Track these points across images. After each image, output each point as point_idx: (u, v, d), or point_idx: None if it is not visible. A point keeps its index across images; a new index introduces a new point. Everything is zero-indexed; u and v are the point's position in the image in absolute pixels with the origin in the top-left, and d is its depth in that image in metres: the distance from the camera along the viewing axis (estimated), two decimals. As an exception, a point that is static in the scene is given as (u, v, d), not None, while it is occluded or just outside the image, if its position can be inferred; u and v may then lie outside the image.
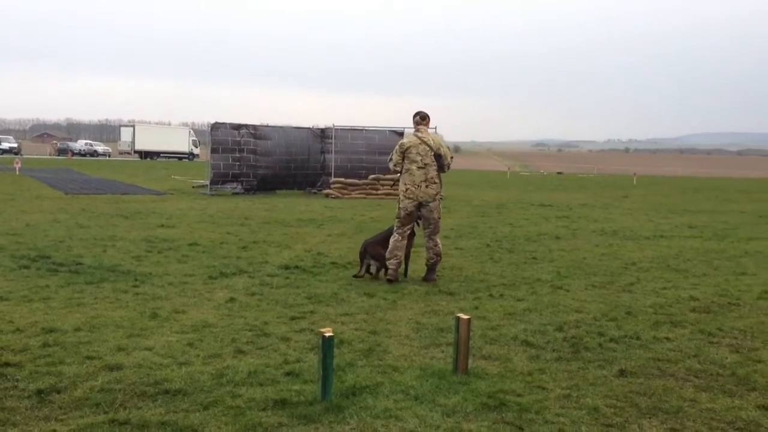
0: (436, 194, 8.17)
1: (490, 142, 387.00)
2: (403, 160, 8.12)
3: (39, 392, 4.13)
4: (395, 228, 8.14)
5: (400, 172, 8.21)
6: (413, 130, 8.31)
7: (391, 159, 8.29)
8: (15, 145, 69.19)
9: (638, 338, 5.73)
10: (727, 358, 5.25)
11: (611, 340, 5.67)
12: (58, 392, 4.15)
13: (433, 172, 8.11)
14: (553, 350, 5.36)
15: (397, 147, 8.25)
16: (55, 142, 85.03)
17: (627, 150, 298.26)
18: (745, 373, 4.89)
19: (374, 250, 8.13)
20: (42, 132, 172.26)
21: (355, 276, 8.13)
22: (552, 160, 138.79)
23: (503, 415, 4.00)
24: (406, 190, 8.11)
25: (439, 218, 8.33)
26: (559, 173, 74.24)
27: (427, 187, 8.09)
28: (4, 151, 63.78)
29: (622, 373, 4.84)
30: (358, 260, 8.31)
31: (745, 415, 4.09)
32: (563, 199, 24.94)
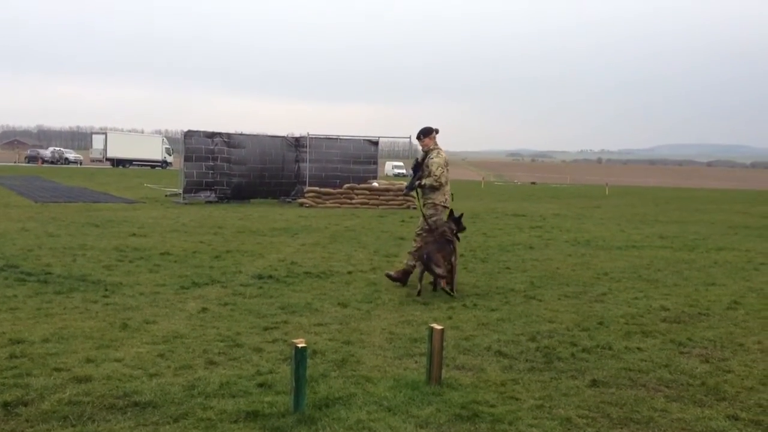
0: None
1: (465, 152, 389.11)
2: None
3: (5, 405, 4.04)
4: (424, 236, 8.34)
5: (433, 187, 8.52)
6: (424, 146, 8.66)
7: (438, 174, 8.41)
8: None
9: (610, 348, 5.78)
10: (697, 368, 5.31)
11: (583, 350, 5.70)
12: (25, 405, 4.06)
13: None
14: (526, 360, 5.38)
15: (444, 162, 8.53)
16: (19, 150, 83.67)
17: (600, 161, 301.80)
18: (714, 383, 4.94)
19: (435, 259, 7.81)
20: (12, 139, 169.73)
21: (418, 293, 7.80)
22: (526, 170, 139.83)
23: (476, 426, 4.00)
24: (446, 200, 8.59)
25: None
26: (532, 183, 74.88)
27: (424, 205, 8.73)
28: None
29: (594, 383, 4.87)
30: (330, 270, 8.23)
31: (715, 425, 4.14)
32: (537, 209, 25.13)
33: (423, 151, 8.72)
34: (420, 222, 8.69)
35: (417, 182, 8.57)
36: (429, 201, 8.54)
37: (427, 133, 8.56)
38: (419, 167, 8.62)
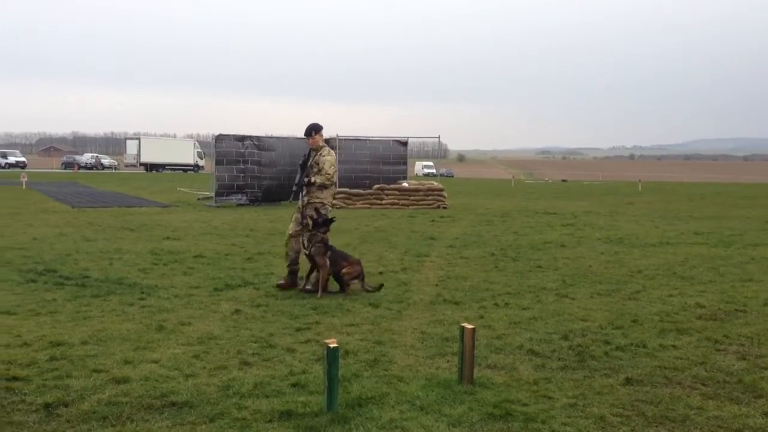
0: None
1: (495, 151, 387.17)
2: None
3: (47, 406, 4.14)
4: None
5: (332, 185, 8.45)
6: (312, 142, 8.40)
7: (332, 173, 8.31)
8: (22, 159, 69.50)
9: (644, 346, 5.72)
10: (734, 365, 5.24)
11: (617, 348, 5.66)
12: (66, 406, 4.16)
13: None
14: (559, 359, 5.36)
15: (335, 161, 8.47)
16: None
17: (632, 157, 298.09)
18: (752, 380, 4.87)
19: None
20: (48, 146, 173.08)
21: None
22: (557, 167, 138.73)
23: (509, 424, 4.00)
24: (332, 201, 8.66)
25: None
26: (563, 181, 74.20)
27: None
28: (11, 165, 64.01)
29: (628, 381, 4.83)
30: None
31: (752, 423, 4.08)
32: (568, 207, 24.92)
33: (311, 148, 8.37)
34: (295, 223, 8.36)
35: (306, 179, 8.23)
36: (317, 200, 8.22)
37: (318, 130, 8.32)
38: (305, 165, 8.29)
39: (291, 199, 8.29)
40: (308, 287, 7.98)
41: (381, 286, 8.13)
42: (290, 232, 8.44)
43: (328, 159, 8.26)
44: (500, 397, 4.42)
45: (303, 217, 8.18)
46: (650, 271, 9.78)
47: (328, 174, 8.22)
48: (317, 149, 8.33)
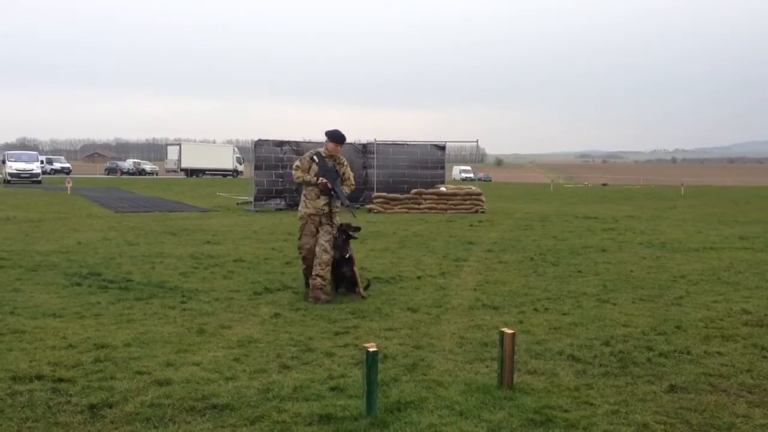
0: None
1: (533, 155, 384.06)
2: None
3: (91, 407, 4.22)
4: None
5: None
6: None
7: (354, 183, 8.38)
8: (67, 165, 71.15)
9: (688, 353, 5.61)
10: (781, 373, 5.10)
11: (660, 354, 5.56)
12: (110, 407, 4.24)
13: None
14: (601, 365, 5.28)
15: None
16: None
17: (674, 160, 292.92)
18: (801, 388, 4.74)
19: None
20: (92, 152, 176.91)
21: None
22: (597, 171, 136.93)
23: (550, 431, 3.95)
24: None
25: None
26: (604, 185, 73.22)
27: None
28: (56, 171, 65.58)
29: (672, 388, 4.74)
30: (400, 275, 8.29)
31: (801, 432, 3.97)
32: (609, 211, 24.58)
33: (334, 155, 8.09)
34: (328, 229, 8.01)
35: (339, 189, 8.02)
36: (337, 209, 8.15)
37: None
38: (336, 173, 8.03)
39: (343, 205, 8.24)
40: (327, 297, 7.77)
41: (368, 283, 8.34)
42: (310, 246, 8.01)
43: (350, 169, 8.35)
44: (541, 403, 4.38)
45: (333, 225, 8.06)
46: (694, 276, 9.59)
47: (353, 184, 8.33)
48: (336, 156, 8.17)
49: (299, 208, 8.20)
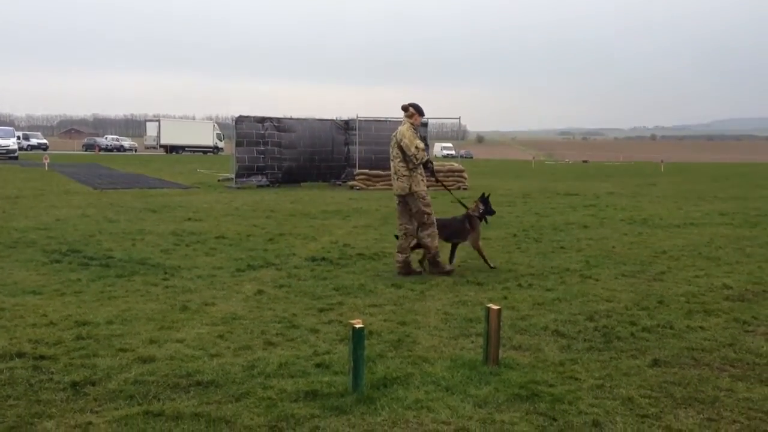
0: (408, 187, 7.91)
1: (514, 132, 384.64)
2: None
3: (74, 384, 4.17)
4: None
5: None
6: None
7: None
8: (44, 141, 70.12)
9: (671, 327, 5.66)
10: (763, 346, 5.16)
11: (644, 329, 5.60)
12: (93, 384, 4.19)
13: (398, 164, 7.99)
14: (585, 340, 5.31)
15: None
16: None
17: (653, 137, 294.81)
18: (782, 362, 4.79)
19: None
20: (69, 128, 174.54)
21: None
22: (577, 148, 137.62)
23: (536, 405, 3.97)
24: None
25: (422, 213, 7.92)
26: (584, 162, 73.59)
27: (397, 179, 8.03)
28: (33, 147, 64.62)
29: (655, 362, 4.78)
30: (383, 251, 8.24)
31: (783, 405, 4.01)
32: (590, 188, 24.71)
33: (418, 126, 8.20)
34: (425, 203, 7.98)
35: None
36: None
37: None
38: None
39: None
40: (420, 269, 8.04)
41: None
42: (411, 226, 8.06)
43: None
44: (526, 378, 4.39)
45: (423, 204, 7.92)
46: (675, 251, 9.67)
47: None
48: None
49: (414, 187, 7.91)
